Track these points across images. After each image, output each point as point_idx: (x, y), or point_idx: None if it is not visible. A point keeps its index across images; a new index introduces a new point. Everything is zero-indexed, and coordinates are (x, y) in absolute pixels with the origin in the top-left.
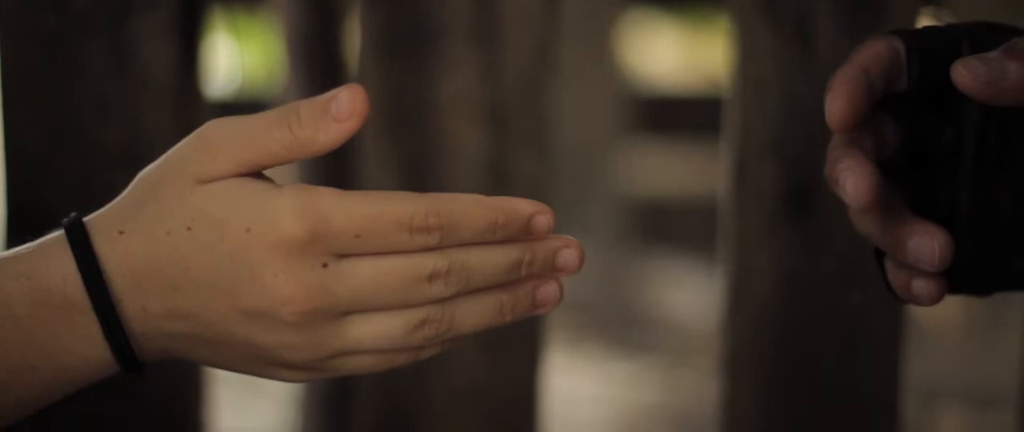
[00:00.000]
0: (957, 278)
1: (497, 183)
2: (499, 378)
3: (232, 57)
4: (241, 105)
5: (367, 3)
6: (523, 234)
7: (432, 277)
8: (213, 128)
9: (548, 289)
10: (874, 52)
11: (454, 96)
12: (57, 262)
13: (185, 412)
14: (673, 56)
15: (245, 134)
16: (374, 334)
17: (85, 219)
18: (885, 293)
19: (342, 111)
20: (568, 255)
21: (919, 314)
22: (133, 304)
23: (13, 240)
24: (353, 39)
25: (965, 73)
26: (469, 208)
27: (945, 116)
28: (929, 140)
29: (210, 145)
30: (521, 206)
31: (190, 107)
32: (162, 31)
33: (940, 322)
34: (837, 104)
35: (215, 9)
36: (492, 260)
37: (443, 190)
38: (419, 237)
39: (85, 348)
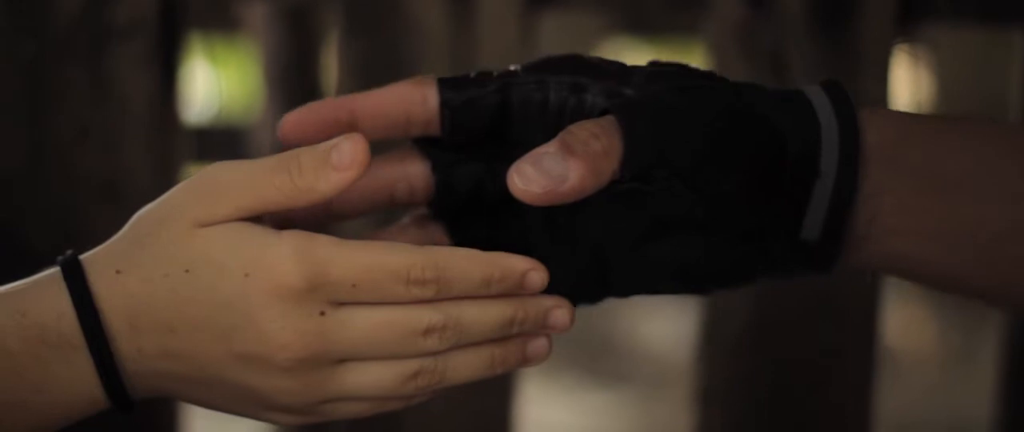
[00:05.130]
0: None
1: None
2: (473, 408)
3: (210, 84)
4: (219, 132)
5: (345, 31)
6: (516, 290)
7: (427, 331)
8: (214, 171)
9: (538, 344)
10: (378, 100)
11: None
12: (52, 299)
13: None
14: None
15: (246, 179)
16: (367, 383)
17: (81, 257)
18: (858, 326)
19: (343, 160)
20: (559, 315)
21: (893, 347)
22: (128, 343)
23: None
24: (331, 67)
25: (520, 184)
26: (465, 263)
27: (486, 165)
28: (468, 189)
29: (211, 189)
30: (516, 263)
31: (168, 133)
32: (141, 58)
33: (913, 355)
34: (287, 121)
35: (194, 36)
36: (486, 317)
37: None
38: (415, 289)
39: (77, 385)
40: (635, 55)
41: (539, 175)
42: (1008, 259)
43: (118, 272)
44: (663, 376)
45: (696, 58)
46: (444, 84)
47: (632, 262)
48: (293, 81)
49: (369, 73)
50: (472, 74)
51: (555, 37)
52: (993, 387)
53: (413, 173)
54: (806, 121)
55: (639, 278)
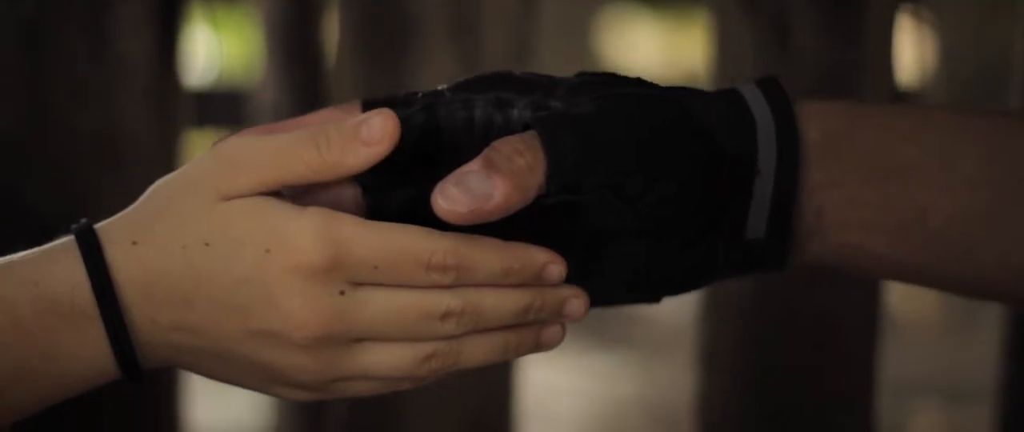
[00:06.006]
0: None
1: None
2: (475, 370)
3: (211, 47)
4: (219, 95)
5: None
6: (535, 280)
7: (445, 316)
8: (236, 144)
9: (552, 331)
10: (304, 125)
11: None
12: (66, 269)
13: (161, 405)
14: (652, 51)
15: (271, 153)
16: (382, 363)
17: (96, 226)
18: (861, 290)
19: (373, 135)
20: (575, 305)
21: (895, 311)
22: (142, 315)
23: None
24: (331, 31)
25: (444, 205)
26: (486, 253)
27: (417, 187)
28: (400, 211)
29: (233, 161)
30: (536, 255)
31: (167, 95)
32: (141, 20)
33: (915, 318)
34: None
35: None
36: (504, 305)
37: None
38: (435, 275)
39: (89, 356)
40: (637, 21)
41: (463, 194)
42: (960, 245)
43: (135, 243)
44: (665, 339)
45: (699, 26)
46: (368, 106)
47: (579, 276)
48: (294, 44)
49: (369, 37)
50: (399, 95)
51: (557, 2)
52: (996, 351)
53: (344, 198)
54: (740, 120)
55: (589, 291)
